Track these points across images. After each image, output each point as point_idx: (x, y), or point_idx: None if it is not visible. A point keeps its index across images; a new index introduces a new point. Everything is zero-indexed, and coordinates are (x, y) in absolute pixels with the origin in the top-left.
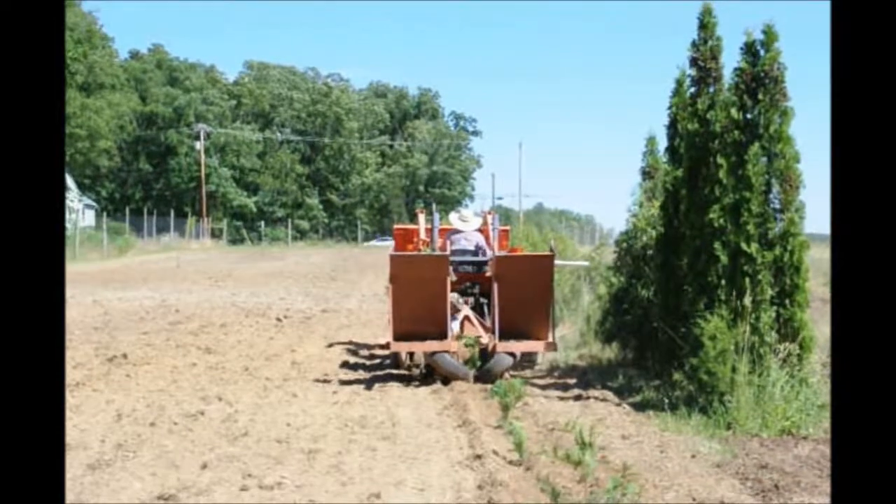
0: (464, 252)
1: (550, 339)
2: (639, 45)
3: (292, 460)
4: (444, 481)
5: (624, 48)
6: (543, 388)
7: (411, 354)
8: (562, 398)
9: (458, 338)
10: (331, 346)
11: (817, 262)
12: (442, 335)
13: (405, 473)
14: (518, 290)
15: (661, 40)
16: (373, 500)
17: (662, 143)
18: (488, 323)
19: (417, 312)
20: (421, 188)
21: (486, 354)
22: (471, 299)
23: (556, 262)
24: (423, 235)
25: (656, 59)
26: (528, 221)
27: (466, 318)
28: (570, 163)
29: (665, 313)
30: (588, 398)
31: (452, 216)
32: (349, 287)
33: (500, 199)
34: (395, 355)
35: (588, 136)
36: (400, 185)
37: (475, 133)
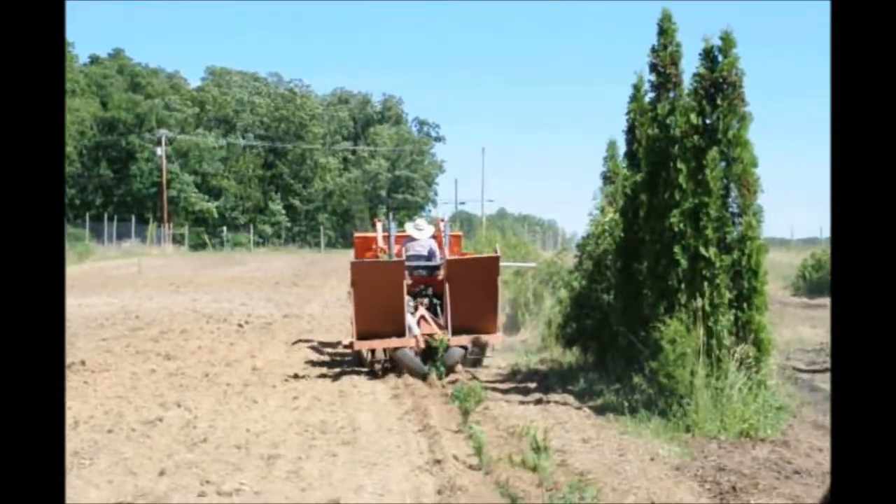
0: (418, 257)
1: (498, 332)
2: (601, 50)
3: (251, 466)
4: (404, 486)
5: (586, 52)
6: (504, 392)
7: (373, 351)
8: (522, 402)
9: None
10: (295, 342)
11: (777, 266)
12: (400, 333)
13: (365, 479)
14: (468, 290)
15: (622, 44)
16: None
17: (623, 147)
18: (441, 321)
19: (377, 313)
20: (383, 193)
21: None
22: (425, 300)
23: (505, 263)
24: (380, 243)
25: (618, 64)
26: (492, 226)
27: (422, 317)
28: (533, 168)
29: (625, 317)
30: (549, 402)
31: (408, 225)
32: (311, 292)
33: (462, 203)
34: (359, 353)
35: (550, 141)
36: (362, 191)
37: (438, 139)
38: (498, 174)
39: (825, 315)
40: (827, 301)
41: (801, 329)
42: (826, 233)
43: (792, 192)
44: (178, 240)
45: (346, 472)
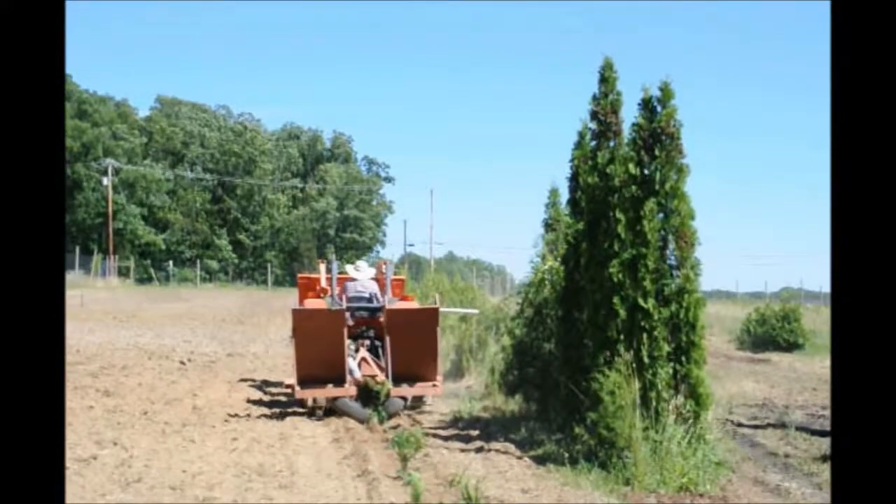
0: (359, 299)
1: (437, 382)
2: (551, 95)
3: None
4: None
5: (537, 96)
6: (446, 439)
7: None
8: (463, 450)
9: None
10: (239, 381)
11: (721, 319)
12: (340, 380)
13: None
14: (408, 339)
15: (569, 92)
16: None
17: (565, 195)
18: (383, 363)
19: (318, 360)
20: (332, 232)
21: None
22: (366, 342)
23: (446, 309)
24: (323, 284)
25: (565, 110)
26: (440, 270)
27: (363, 359)
28: (483, 212)
29: (566, 366)
30: (490, 450)
31: (349, 267)
32: (256, 331)
33: (411, 245)
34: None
35: (500, 185)
36: (311, 229)
37: (388, 179)
38: (448, 218)
39: (768, 370)
40: (771, 356)
41: (744, 383)
42: (771, 287)
43: (738, 246)
44: (123, 272)
45: None
